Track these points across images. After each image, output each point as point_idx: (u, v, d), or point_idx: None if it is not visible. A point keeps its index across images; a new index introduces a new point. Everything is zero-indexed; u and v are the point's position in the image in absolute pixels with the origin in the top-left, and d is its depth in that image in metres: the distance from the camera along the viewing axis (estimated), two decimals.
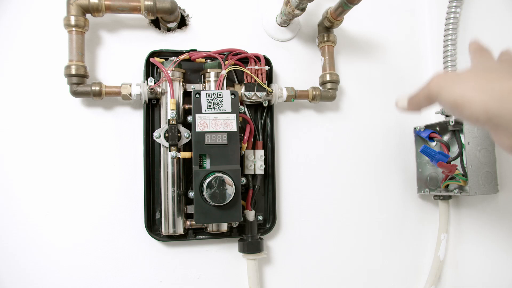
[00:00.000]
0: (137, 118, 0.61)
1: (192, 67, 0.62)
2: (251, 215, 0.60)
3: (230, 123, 0.55)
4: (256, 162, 0.61)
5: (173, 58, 0.58)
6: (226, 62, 0.59)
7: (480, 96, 0.29)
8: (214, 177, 0.52)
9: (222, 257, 0.63)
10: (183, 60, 0.58)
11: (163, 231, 0.57)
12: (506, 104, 0.27)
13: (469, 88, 0.30)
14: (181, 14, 0.65)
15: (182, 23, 0.66)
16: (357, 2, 0.57)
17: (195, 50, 0.60)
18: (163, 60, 0.59)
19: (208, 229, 0.60)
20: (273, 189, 0.63)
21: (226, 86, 0.59)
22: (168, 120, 0.56)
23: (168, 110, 0.57)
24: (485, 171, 0.60)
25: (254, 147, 0.62)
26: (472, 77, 0.31)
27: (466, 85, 0.31)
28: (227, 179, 0.52)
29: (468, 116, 0.30)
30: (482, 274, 0.64)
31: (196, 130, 0.54)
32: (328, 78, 0.65)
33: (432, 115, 0.71)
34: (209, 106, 0.55)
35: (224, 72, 0.58)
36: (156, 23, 0.64)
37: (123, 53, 0.62)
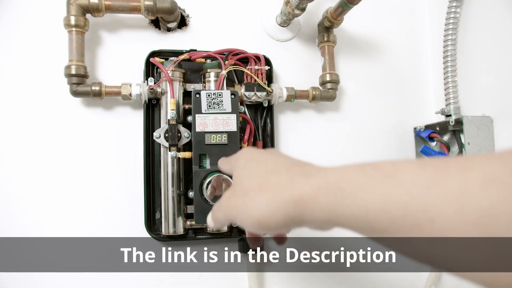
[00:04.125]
0: (137, 118, 0.61)
1: (192, 67, 0.62)
2: None
3: (230, 123, 0.55)
4: None
5: (173, 58, 0.58)
6: (226, 62, 0.59)
7: (279, 211, 0.26)
8: (214, 177, 0.52)
9: (222, 257, 0.63)
10: (183, 60, 0.58)
11: (163, 231, 0.57)
12: (304, 212, 0.26)
13: (264, 207, 0.27)
14: (181, 14, 0.65)
15: (182, 23, 0.65)
16: (357, 2, 0.57)
17: (195, 50, 0.60)
18: (163, 60, 0.58)
19: (208, 229, 0.60)
20: None
21: (226, 86, 0.59)
22: (168, 120, 0.56)
23: (168, 110, 0.57)
24: None
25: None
26: (258, 192, 0.28)
27: (259, 204, 0.28)
28: (227, 179, 0.52)
29: (275, 229, 0.27)
30: None
31: (196, 130, 0.54)
32: (328, 78, 0.65)
33: (432, 115, 0.71)
34: (209, 106, 0.55)
35: (224, 72, 0.58)
36: (156, 23, 0.64)
37: (123, 53, 0.62)
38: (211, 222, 0.35)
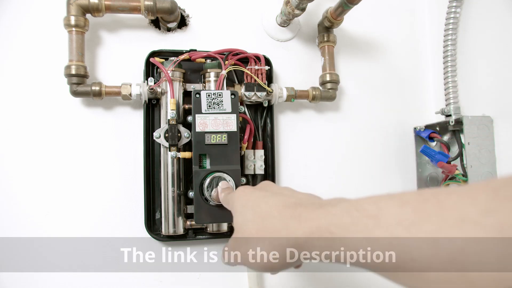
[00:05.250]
0: (137, 118, 0.61)
1: (192, 67, 0.62)
2: None
3: (230, 123, 0.55)
4: (256, 162, 0.61)
5: (173, 58, 0.58)
6: (226, 62, 0.59)
7: (280, 255, 0.30)
8: (214, 177, 0.52)
9: (221, 257, 0.63)
10: (183, 60, 0.58)
11: (163, 231, 0.57)
12: (308, 253, 0.29)
13: (264, 251, 0.31)
14: (181, 14, 0.65)
15: (182, 23, 0.65)
16: (357, 2, 0.57)
17: (195, 50, 0.60)
18: (163, 60, 0.58)
19: (208, 229, 0.60)
20: None
21: (226, 86, 0.59)
22: (168, 120, 0.56)
23: (168, 110, 0.57)
24: (485, 171, 0.60)
25: (254, 147, 0.62)
26: (257, 240, 0.32)
27: (259, 248, 0.31)
28: (227, 179, 0.52)
29: (282, 268, 0.31)
30: None
31: (196, 130, 0.54)
32: (328, 78, 0.65)
33: (432, 115, 0.71)
34: (209, 106, 0.55)
35: (224, 72, 0.58)
36: (156, 23, 0.64)
37: (123, 53, 0.62)
38: (224, 261, 0.39)
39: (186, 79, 0.61)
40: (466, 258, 0.19)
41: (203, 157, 0.54)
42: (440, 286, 0.21)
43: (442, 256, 0.20)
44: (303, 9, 0.60)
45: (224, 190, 0.47)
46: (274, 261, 0.30)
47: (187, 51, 0.60)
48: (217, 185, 0.52)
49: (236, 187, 0.53)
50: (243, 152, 0.60)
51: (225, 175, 0.52)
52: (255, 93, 0.60)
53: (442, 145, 0.66)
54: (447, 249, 0.20)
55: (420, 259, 0.21)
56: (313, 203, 0.31)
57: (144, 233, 0.59)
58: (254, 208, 0.34)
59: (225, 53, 0.60)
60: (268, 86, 0.62)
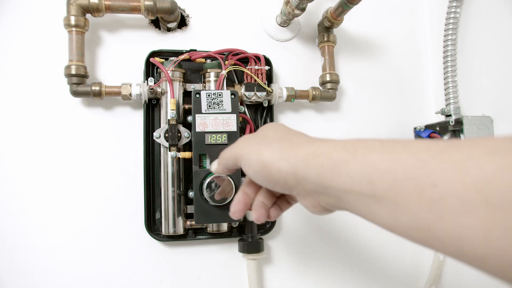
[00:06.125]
0: (137, 118, 0.61)
1: (192, 67, 0.62)
2: (251, 215, 0.60)
3: (230, 123, 0.55)
4: None
5: (173, 58, 0.58)
6: (226, 62, 0.59)
7: (287, 159, 0.29)
8: (214, 177, 0.52)
9: (222, 257, 0.63)
10: (183, 60, 0.58)
11: (163, 231, 0.57)
12: (311, 166, 0.27)
13: (276, 152, 0.30)
14: (181, 14, 0.65)
15: (182, 23, 0.65)
16: (357, 2, 0.57)
17: (195, 50, 0.60)
18: (163, 60, 0.58)
19: (208, 229, 0.60)
20: None
21: (226, 86, 0.59)
22: (168, 120, 0.56)
23: (168, 110, 0.57)
24: None
25: None
26: (277, 142, 0.31)
27: (273, 149, 0.31)
28: (227, 179, 0.52)
29: (277, 178, 0.30)
30: (482, 274, 0.64)
31: (196, 130, 0.54)
32: (328, 78, 0.65)
33: (432, 115, 0.71)
34: (209, 106, 0.55)
35: (224, 72, 0.58)
36: (156, 23, 0.64)
37: (123, 53, 0.62)
38: (215, 164, 0.38)
39: (186, 79, 0.61)
40: (494, 187, 0.18)
41: (203, 157, 0.54)
42: (456, 217, 0.19)
43: (468, 182, 0.19)
44: (303, 9, 0.60)
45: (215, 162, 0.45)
46: (278, 163, 0.29)
47: (187, 51, 0.60)
48: (216, 185, 0.52)
49: (236, 187, 0.53)
50: None
51: (224, 175, 0.52)
52: (255, 93, 0.60)
53: None
54: (475, 176, 0.18)
55: (443, 184, 0.19)
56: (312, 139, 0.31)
57: (144, 233, 0.59)
58: (285, 128, 0.35)
59: (225, 53, 0.60)
60: (268, 86, 0.62)
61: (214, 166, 0.39)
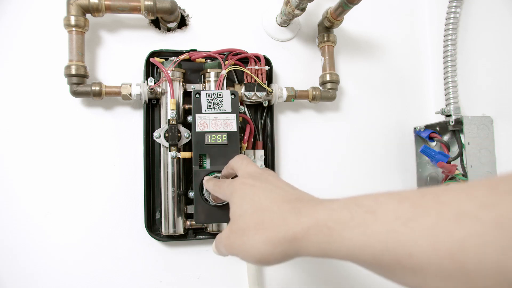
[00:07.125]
0: (137, 118, 0.61)
1: (192, 67, 0.62)
2: None
3: (230, 123, 0.55)
4: (256, 162, 0.61)
5: (173, 58, 0.58)
6: (226, 62, 0.59)
7: (273, 249, 0.29)
8: (214, 177, 0.52)
9: (222, 257, 0.63)
10: (183, 60, 0.58)
11: (163, 231, 0.57)
12: (306, 242, 0.28)
13: (261, 244, 0.30)
14: (181, 14, 0.65)
15: (182, 23, 0.66)
16: (357, 2, 0.57)
17: (195, 50, 0.60)
18: (163, 60, 0.59)
19: (208, 229, 0.60)
20: None
21: (226, 86, 0.59)
22: (168, 120, 0.56)
23: (168, 110, 0.57)
24: (485, 171, 0.60)
25: (254, 147, 0.62)
26: (254, 230, 0.31)
27: (256, 243, 0.30)
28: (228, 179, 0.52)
29: (279, 261, 0.30)
30: None
31: (196, 130, 0.54)
32: (328, 78, 0.65)
33: (432, 115, 0.71)
34: (209, 106, 0.55)
35: (224, 72, 0.58)
36: (156, 23, 0.64)
37: (123, 53, 0.62)
38: (215, 251, 0.39)
39: (186, 79, 0.61)
40: (465, 253, 0.19)
41: (203, 157, 0.54)
42: (438, 282, 0.20)
43: (440, 251, 0.20)
44: (303, 9, 0.60)
45: (210, 180, 0.46)
46: (270, 256, 0.29)
47: (187, 51, 0.60)
48: None
49: None
50: (243, 152, 0.60)
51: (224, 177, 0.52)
52: (255, 93, 0.60)
53: (442, 145, 0.66)
54: (445, 244, 0.20)
55: (418, 255, 0.21)
56: (312, 199, 0.31)
57: (144, 233, 0.59)
58: (253, 202, 0.33)
59: (225, 53, 0.60)
60: (268, 86, 0.62)
61: (214, 251, 0.40)
